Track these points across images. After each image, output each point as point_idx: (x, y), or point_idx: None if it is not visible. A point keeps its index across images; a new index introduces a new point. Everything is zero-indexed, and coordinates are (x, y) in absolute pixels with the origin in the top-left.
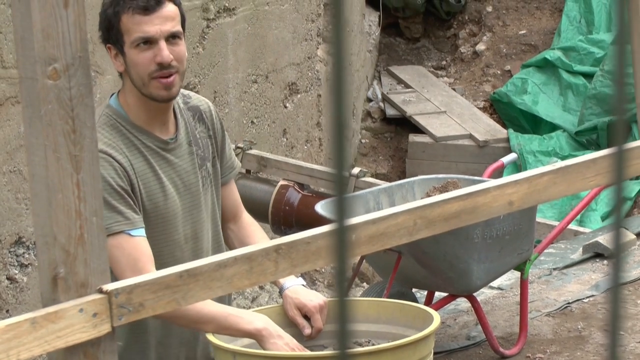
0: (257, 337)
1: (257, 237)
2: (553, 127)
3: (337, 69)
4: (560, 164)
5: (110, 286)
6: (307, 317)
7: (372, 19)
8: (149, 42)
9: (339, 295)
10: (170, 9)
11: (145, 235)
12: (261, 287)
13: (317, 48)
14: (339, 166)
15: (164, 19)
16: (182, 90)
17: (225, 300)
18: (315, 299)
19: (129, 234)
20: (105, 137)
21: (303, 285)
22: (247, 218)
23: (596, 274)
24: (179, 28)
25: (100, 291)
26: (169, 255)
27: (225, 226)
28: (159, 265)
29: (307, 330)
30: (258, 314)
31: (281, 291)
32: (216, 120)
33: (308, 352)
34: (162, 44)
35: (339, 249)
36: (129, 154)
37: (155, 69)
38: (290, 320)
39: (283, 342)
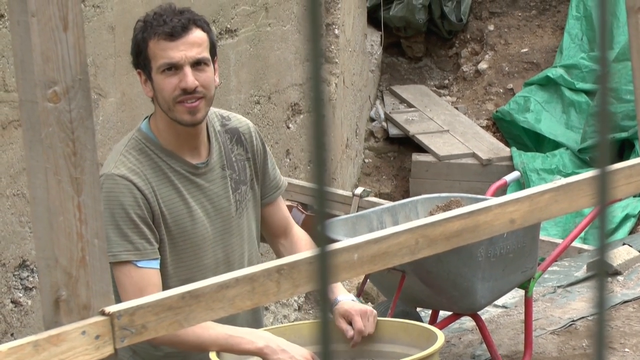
0: (261, 356)
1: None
2: (556, 145)
3: (315, 88)
4: (562, 181)
5: (112, 308)
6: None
7: (374, 38)
8: (174, 67)
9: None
10: (197, 35)
11: (157, 267)
12: (266, 308)
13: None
14: (320, 181)
15: (189, 45)
16: (222, 112)
17: (260, 313)
18: (358, 306)
19: (135, 265)
20: (130, 161)
21: (352, 300)
22: (297, 232)
23: None
24: (205, 54)
25: (103, 313)
26: (200, 279)
27: (277, 242)
28: None
29: (350, 333)
30: (260, 332)
31: (331, 308)
32: (256, 142)
33: None
34: (187, 69)
35: (320, 268)
36: (154, 180)
37: (179, 93)
38: (337, 328)
39: (288, 356)
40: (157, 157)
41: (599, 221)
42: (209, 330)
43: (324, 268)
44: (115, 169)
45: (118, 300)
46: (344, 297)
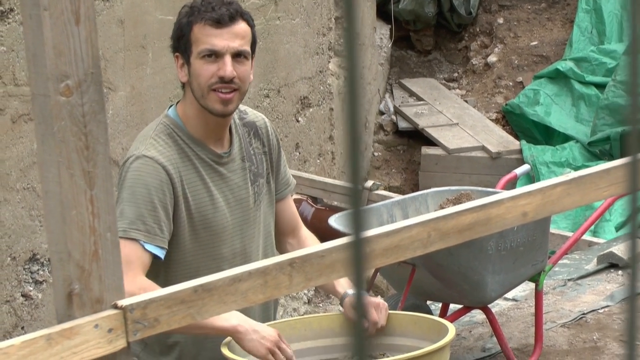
0: (234, 334)
1: None
2: (566, 138)
3: (351, 83)
4: (574, 174)
5: (125, 302)
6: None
7: (384, 32)
8: (215, 55)
9: (357, 309)
10: (242, 27)
11: (159, 256)
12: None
13: (329, 62)
14: (355, 179)
15: (233, 35)
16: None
17: (271, 307)
18: (369, 298)
19: (142, 246)
20: (161, 145)
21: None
22: (305, 232)
23: (611, 284)
24: (247, 48)
25: (115, 307)
26: (216, 269)
27: (285, 240)
28: None
29: (365, 324)
30: (234, 313)
31: (341, 301)
32: (272, 137)
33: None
34: (227, 59)
35: (355, 261)
36: (181, 165)
37: (216, 81)
38: (349, 321)
39: (259, 336)
40: (184, 144)
41: (629, 208)
42: None
43: (358, 257)
44: (145, 150)
45: None
46: (352, 290)
